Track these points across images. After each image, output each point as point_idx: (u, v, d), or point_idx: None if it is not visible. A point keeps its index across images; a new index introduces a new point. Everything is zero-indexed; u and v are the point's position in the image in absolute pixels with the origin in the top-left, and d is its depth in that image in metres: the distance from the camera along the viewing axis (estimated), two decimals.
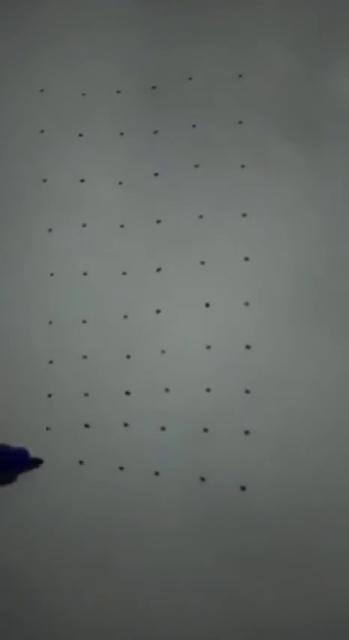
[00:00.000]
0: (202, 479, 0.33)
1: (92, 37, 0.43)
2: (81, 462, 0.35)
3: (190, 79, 0.41)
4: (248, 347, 0.35)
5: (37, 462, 0.34)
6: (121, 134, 0.41)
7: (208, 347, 0.36)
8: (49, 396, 0.37)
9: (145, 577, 0.32)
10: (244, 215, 0.38)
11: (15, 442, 0.36)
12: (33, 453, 0.35)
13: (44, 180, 0.41)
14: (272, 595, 0.30)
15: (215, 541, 0.31)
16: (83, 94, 0.42)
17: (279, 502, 0.31)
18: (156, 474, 0.33)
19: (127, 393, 0.36)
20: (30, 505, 0.34)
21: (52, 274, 0.39)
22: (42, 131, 0.42)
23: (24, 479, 0.35)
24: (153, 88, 0.42)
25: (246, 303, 0.36)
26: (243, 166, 0.39)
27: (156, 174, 0.40)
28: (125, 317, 0.37)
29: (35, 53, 0.43)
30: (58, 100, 0.43)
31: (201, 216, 0.38)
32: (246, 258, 0.37)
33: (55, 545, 0.33)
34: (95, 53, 0.43)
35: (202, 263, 0.38)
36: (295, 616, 0.29)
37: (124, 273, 0.38)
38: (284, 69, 0.40)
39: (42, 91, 0.43)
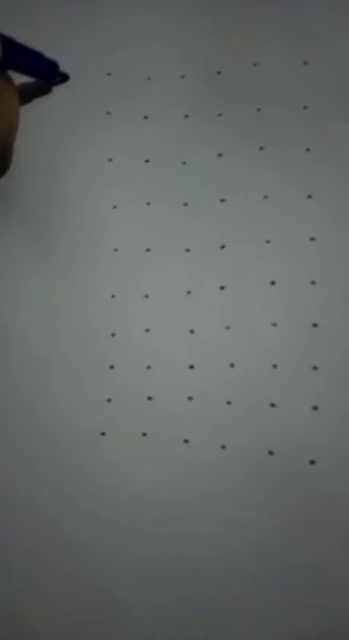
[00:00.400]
0: (270, 452, 0.32)
1: (158, 22, 0.44)
2: (144, 434, 0.35)
3: (255, 64, 0.42)
4: (315, 325, 0.35)
5: (65, 77, 0.40)
6: (186, 116, 0.42)
7: (274, 324, 0.35)
8: (111, 367, 0.37)
9: (213, 551, 0.31)
10: (309, 197, 0.38)
11: (77, 413, 0.36)
12: (95, 423, 0.35)
13: (110, 160, 0.42)
14: (342, 563, 0.29)
15: (284, 515, 0.31)
16: (149, 78, 0.43)
17: None
18: (223, 447, 0.33)
19: (191, 367, 0.36)
20: (94, 475, 0.34)
21: (116, 249, 0.40)
22: (108, 113, 0.43)
23: (88, 448, 0.35)
24: (218, 73, 0.43)
25: (313, 282, 0.36)
26: (307, 149, 0.39)
27: (220, 154, 0.40)
28: (188, 292, 0.37)
29: (103, 37, 0.44)
30: (124, 83, 0.44)
31: (265, 197, 0.39)
32: (312, 238, 0.37)
33: (118, 516, 0.33)
34: (161, 38, 0.44)
35: (267, 242, 0.38)
36: None
37: (188, 250, 0.39)
38: (347, 56, 0.41)
39: (109, 74, 0.44)
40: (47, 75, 0.40)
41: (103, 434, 0.35)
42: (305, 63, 0.42)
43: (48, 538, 0.34)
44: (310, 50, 0.42)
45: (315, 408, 0.33)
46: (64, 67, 0.46)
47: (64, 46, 0.46)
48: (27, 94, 0.40)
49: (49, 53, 0.45)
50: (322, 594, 0.30)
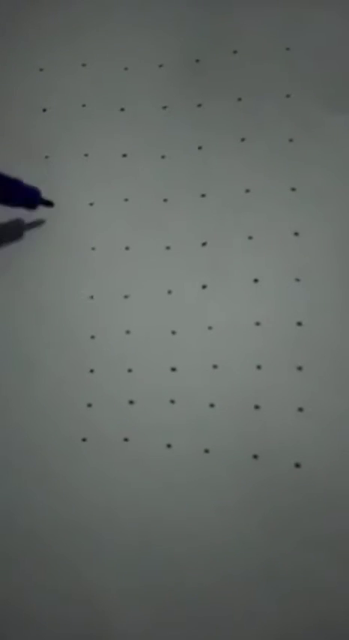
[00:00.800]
0: (255, 456, 0.32)
1: (134, 10, 0.43)
2: (126, 439, 0.34)
3: (235, 52, 0.41)
4: (299, 324, 0.34)
5: (48, 203, 0.35)
6: (164, 107, 0.40)
7: (257, 323, 0.34)
8: (91, 371, 0.36)
9: (195, 557, 0.31)
10: (293, 189, 0.37)
11: (57, 418, 0.35)
12: (76, 429, 0.35)
13: (86, 155, 0.40)
14: (331, 576, 0.29)
15: (269, 518, 0.30)
16: (125, 69, 0.42)
17: (335, 478, 0.30)
18: (206, 451, 0.32)
19: (173, 369, 0.35)
20: (75, 481, 0.33)
21: (93, 248, 0.38)
22: (84, 105, 0.41)
23: (69, 455, 0.34)
24: (197, 61, 0.41)
25: (297, 279, 0.35)
26: (291, 140, 0.38)
27: (200, 147, 0.39)
28: (169, 292, 0.36)
29: (77, 28, 0.43)
30: (99, 74, 0.42)
31: (247, 190, 0.37)
32: (296, 233, 0.36)
33: (100, 524, 0.32)
34: (137, 27, 0.42)
35: (250, 238, 0.36)
36: None
37: (168, 248, 0.37)
38: (332, 41, 0.39)
39: (84, 65, 0.42)
40: (27, 205, 0.35)
41: (84, 440, 0.34)
42: (288, 49, 0.40)
43: (26, 546, 0.33)
44: (292, 35, 0.41)
45: (300, 409, 0.32)
46: (37, 59, 0.44)
47: (37, 36, 0.45)
48: None
49: (21, 41, 0.44)
50: (308, 598, 0.29)
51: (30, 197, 0.36)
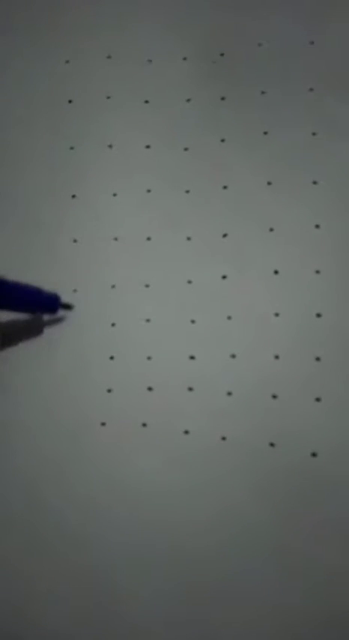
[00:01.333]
0: (271, 444, 0.32)
1: (158, 4, 0.43)
2: (144, 425, 0.34)
3: (260, 45, 0.41)
4: (318, 315, 0.34)
5: (68, 306, 0.35)
6: (188, 100, 0.40)
7: (277, 314, 0.35)
8: (111, 358, 0.36)
9: (212, 541, 0.31)
10: (315, 183, 0.37)
11: (78, 403, 0.36)
12: (95, 414, 0.35)
13: (110, 146, 0.41)
14: (343, 558, 0.29)
15: (284, 506, 0.30)
16: (149, 61, 0.42)
17: None
18: (223, 438, 0.33)
19: (192, 357, 0.35)
20: (94, 465, 0.34)
21: (116, 239, 0.39)
22: (108, 97, 0.42)
23: (89, 439, 0.35)
24: (221, 55, 0.41)
25: (317, 271, 0.35)
26: (314, 134, 0.38)
27: (222, 140, 0.39)
28: (189, 282, 0.37)
29: (102, 18, 0.43)
30: (124, 66, 0.42)
31: (269, 183, 0.37)
32: (317, 226, 0.36)
33: (118, 506, 0.33)
34: (162, 19, 0.42)
35: (271, 230, 0.37)
36: None
37: (189, 239, 0.38)
38: None
39: (109, 57, 0.43)
40: (47, 311, 0.35)
41: (103, 424, 0.35)
42: (312, 43, 0.40)
43: (47, 527, 0.34)
44: (316, 29, 0.40)
45: (318, 399, 0.32)
46: (63, 51, 0.45)
47: (61, 29, 0.45)
48: (16, 334, 0.34)
49: (46, 36, 0.44)
50: (321, 586, 0.30)
51: (50, 305, 0.35)
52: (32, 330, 0.35)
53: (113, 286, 0.38)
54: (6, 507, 0.34)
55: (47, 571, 0.33)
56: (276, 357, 0.34)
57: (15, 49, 0.44)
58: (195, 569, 0.31)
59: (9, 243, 0.41)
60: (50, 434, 0.36)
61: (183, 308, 0.36)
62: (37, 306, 0.35)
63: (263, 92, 0.39)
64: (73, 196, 0.40)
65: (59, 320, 0.36)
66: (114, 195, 0.40)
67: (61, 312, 0.36)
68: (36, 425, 0.36)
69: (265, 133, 0.38)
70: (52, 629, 0.31)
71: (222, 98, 0.40)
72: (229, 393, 0.34)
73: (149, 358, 0.36)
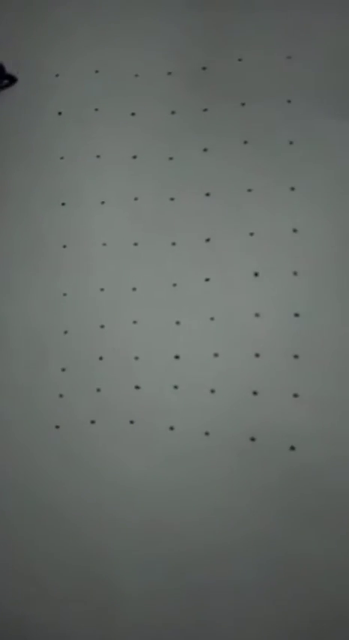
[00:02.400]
0: (252, 439, 0.33)
1: (145, 20, 0.44)
2: (132, 422, 0.35)
3: (240, 60, 0.42)
4: (296, 315, 0.35)
5: (11, 78, 0.34)
6: (172, 112, 0.42)
7: (257, 314, 0.36)
8: (100, 359, 0.37)
9: (196, 532, 0.32)
10: (292, 189, 0.38)
11: (67, 401, 0.37)
12: (85, 412, 0.36)
13: (98, 156, 0.42)
14: (320, 549, 0.30)
15: (265, 497, 0.31)
16: (136, 75, 0.43)
17: (328, 461, 0.31)
18: (206, 433, 0.34)
19: (177, 357, 0.36)
20: (85, 461, 0.35)
21: (104, 244, 0.40)
22: (96, 109, 0.43)
23: (79, 436, 0.35)
24: (203, 69, 0.42)
25: (295, 273, 0.36)
26: (291, 142, 0.39)
27: (205, 149, 0.40)
28: (174, 285, 0.38)
29: (90, 35, 0.44)
30: (111, 80, 0.44)
31: (249, 190, 0.39)
32: (294, 230, 0.37)
33: (107, 498, 0.34)
34: (148, 36, 0.44)
35: (251, 234, 0.38)
36: (345, 569, 0.29)
37: (174, 244, 0.39)
38: (331, 50, 0.41)
39: (97, 72, 0.44)
40: None
41: (93, 422, 0.36)
42: (289, 57, 0.42)
43: (43, 520, 0.34)
44: (294, 45, 0.42)
45: (296, 395, 0.33)
46: (53, 65, 0.46)
47: (53, 43, 0.46)
48: None
49: (38, 50, 0.45)
50: (302, 574, 0.30)
51: None
52: None
53: (102, 289, 0.39)
54: (4, 501, 0.35)
55: (41, 567, 0.34)
56: (257, 355, 0.34)
57: (7, 63, 0.45)
58: (182, 551, 0.32)
59: (3, 249, 0.42)
60: (40, 431, 0.37)
61: (168, 310, 0.37)
62: None
63: (243, 104, 0.40)
64: (63, 204, 0.41)
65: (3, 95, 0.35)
66: (103, 203, 0.41)
67: (4, 82, 0.35)
68: (30, 422, 0.37)
69: (245, 142, 0.39)
70: (52, 629, 0.32)
71: (205, 110, 0.41)
72: (212, 391, 0.34)
73: (136, 358, 0.37)
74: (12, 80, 0.35)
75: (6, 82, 0.35)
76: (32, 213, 0.41)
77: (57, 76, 0.45)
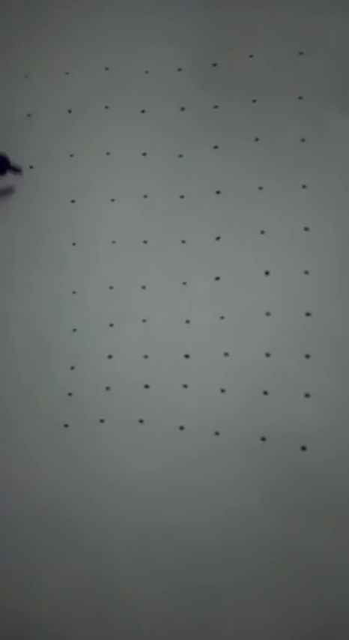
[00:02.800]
0: (263, 439, 0.32)
1: (154, 17, 0.43)
2: (141, 421, 0.35)
3: (251, 56, 0.41)
4: (308, 314, 0.35)
5: (16, 170, 0.34)
6: (182, 109, 0.41)
7: (268, 314, 0.35)
8: (110, 357, 0.37)
9: (205, 532, 0.31)
10: (304, 187, 0.37)
11: (75, 399, 0.36)
12: (94, 411, 0.36)
13: (108, 154, 0.41)
14: (331, 549, 0.29)
15: (275, 498, 0.31)
16: (146, 72, 0.43)
17: (339, 461, 0.30)
18: (217, 433, 0.33)
19: (186, 356, 0.35)
20: (93, 460, 0.34)
21: (114, 242, 0.39)
22: (106, 107, 0.42)
23: (88, 435, 0.35)
24: (214, 65, 0.42)
25: (306, 272, 0.35)
26: (303, 140, 0.38)
27: (215, 147, 0.40)
28: (184, 283, 0.37)
29: (100, 32, 0.44)
30: (121, 77, 0.43)
31: (260, 188, 0.38)
32: (306, 228, 0.36)
33: (116, 499, 0.33)
34: (157, 32, 0.43)
35: (262, 232, 0.37)
36: None
37: (183, 242, 0.38)
38: (343, 46, 0.40)
39: (107, 69, 0.44)
40: None
41: (102, 421, 0.35)
42: (301, 53, 0.41)
43: (49, 520, 0.34)
44: (305, 40, 0.41)
45: (307, 395, 0.32)
46: (63, 63, 0.45)
47: (62, 41, 0.46)
48: None
49: (48, 48, 0.45)
50: (313, 575, 0.30)
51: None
52: None
53: (111, 288, 0.39)
54: (5, 507, 0.35)
55: (47, 569, 0.33)
56: (267, 354, 0.34)
57: (17, 61, 0.45)
58: (193, 560, 0.31)
59: (12, 246, 0.41)
60: (50, 430, 0.36)
61: (178, 308, 0.36)
62: None
63: (254, 101, 0.39)
64: (73, 201, 0.41)
65: (10, 191, 0.35)
66: (113, 200, 0.40)
67: (9, 175, 0.35)
68: (39, 421, 0.37)
69: (256, 139, 0.39)
70: (53, 629, 0.32)
71: (215, 107, 0.40)
72: (222, 390, 0.34)
73: (146, 357, 0.36)
74: (17, 171, 0.35)
75: (11, 173, 0.35)
76: (42, 210, 0.41)
77: (67, 74, 0.45)
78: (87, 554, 0.33)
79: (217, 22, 0.43)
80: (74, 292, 0.39)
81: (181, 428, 0.34)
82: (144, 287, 0.38)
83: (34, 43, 0.46)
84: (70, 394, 0.37)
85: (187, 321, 0.36)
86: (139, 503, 0.32)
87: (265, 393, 0.33)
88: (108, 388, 0.36)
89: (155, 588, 0.31)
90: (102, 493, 0.33)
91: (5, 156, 0.34)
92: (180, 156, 0.40)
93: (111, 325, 0.37)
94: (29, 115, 0.44)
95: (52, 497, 0.33)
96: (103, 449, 0.34)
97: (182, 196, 0.39)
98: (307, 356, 0.33)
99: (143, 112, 0.42)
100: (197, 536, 0.32)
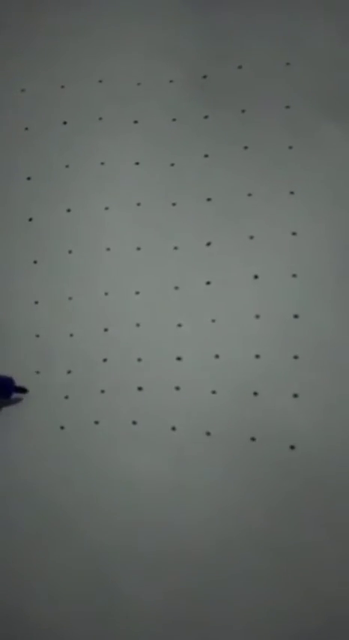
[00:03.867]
0: (252, 438, 0.33)
1: (147, 30, 0.44)
2: (134, 422, 0.35)
3: (240, 67, 0.42)
4: (296, 316, 0.35)
5: (22, 390, 0.35)
6: (174, 120, 0.42)
7: (257, 316, 0.36)
8: (104, 360, 0.37)
9: (197, 534, 0.32)
10: (291, 193, 0.38)
11: (72, 402, 0.37)
12: (89, 412, 0.36)
13: (102, 164, 0.42)
14: (323, 552, 0.30)
15: (265, 496, 0.31)
16: (138, 84, 0.44)
17: (328, 460, 0.31)
18: (208, 433, 0.33)
19: (178, 358, 0.36)
20: (89, 461, 0.35)
21: (108, 249, 0.40)
22: (100, 118, 0.43)
23: (83, 436, 0.35)
24: (204, 77, 0.43)
25: (294, 275, 0.36)
26: (290, 147, 0.39)
27: (206, 155, 0.40)
28: (176, 288, 0.38)
29: (95, 45, 0.44)
30: (114, 89, 0.44)
31: (250, 194, 0.39)
32: (294, 233, 0.37)
33: (112, 500, 0.34)
34: (150, 45, 0.44)
35: (251, 238, 0.38)
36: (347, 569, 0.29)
37: (176, 248, 0.39)
38: (329, 56, 0.40)
39: (100, 81, 0.45)
40: (1, 396, 0.34)
41: (97, 422, 0.36)
42: (288, 64, 0.41)
43: (45, 522, 0.34)
44: (292, 51, 0.42)
45: (296, 395, 0.33)
46: (57, 75, 0.46)
47: (58, 56, 0.47)
48: None
49: (42, 60, 0.46)
50: (306, 576, 0.30)
51: (3, 387, 0.34)
52: None
53: (106, 293, 0.39)
54: (4, 507, 0.35)
55: (46, 569, 0.34)
56: (257, 356, 0.34)
57: (14, 77, 0.46)
58: (184, 552, 0.32)
59: (7, 255, 0.42)
60: (46, 432, 0.37)
61: (170, 313, 0.37)
62: None
63: (243, 110, 0.40)
64: (68, 210, 0.42)
65: (15, 401, 0.35)
66: (107, 209, 0.41)
67: (15, 396, 0.35)
68: (34, 423, 0.37)
69: (245, 147, 0.39)
70: (52, 629, 0.32)
71: (205, 117, 0.41)
72: (213, 392, 0.34)
73: (139, 360, 0.37)
74: (23, 391, 0.34)
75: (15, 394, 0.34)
76: (39, 220, 0.42)
77: (62, 87, 0.46)
78: (83, 554, 0.33)
79: (207, 36, 0.44)
80: (70, 298, 0.39)
81: (173, 428, 0.34)
82: (137, 292, 0.38)
83: (31, 59, 0.47)
84: (66, 397, 0.37)
85: (179, 325, 0.37)
86: (133, 502, 0.33)
87: (255, 393, 0.33)
88: (102, 391, 0.36)
89: (149, 586, 0.32)
90: (98, 492, 0.33)
91: (10, 378, 0.34)
92: (172, 165, 0.41)
93: (106, 330, 0.38)
94: (27, 129, 0.45)
95: (49, 498, 0.33)
96: (98, 449, 0.35)
97: (174, 204, 0.40)
98: (295, 357, 0.34)
99: (136, 122, 0.43)
100: (190, 536, 0.32)
